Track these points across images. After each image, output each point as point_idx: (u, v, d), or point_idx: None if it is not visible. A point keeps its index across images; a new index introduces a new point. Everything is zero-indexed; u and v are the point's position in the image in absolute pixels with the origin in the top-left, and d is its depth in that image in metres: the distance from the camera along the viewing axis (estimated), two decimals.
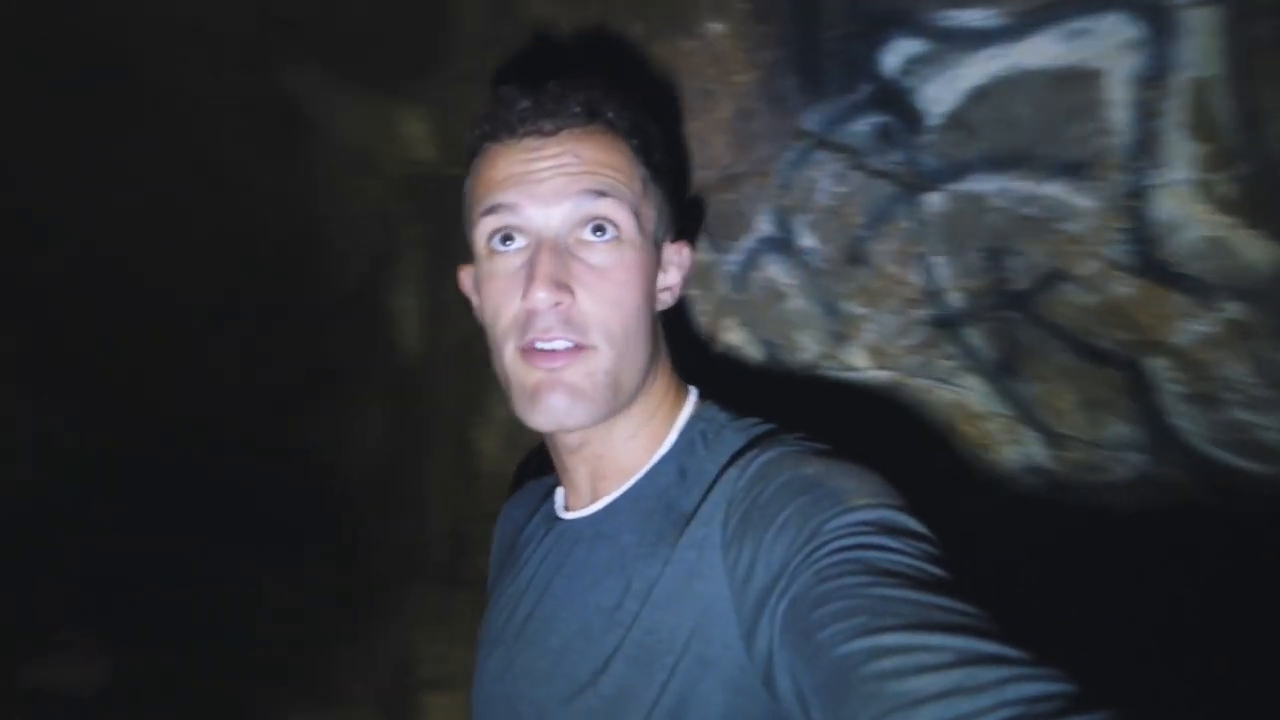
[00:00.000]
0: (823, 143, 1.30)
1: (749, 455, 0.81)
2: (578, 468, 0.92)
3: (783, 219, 1.35)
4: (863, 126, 1.26)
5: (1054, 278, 1.15)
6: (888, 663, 0.54)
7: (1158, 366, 1.11)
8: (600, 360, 0.83)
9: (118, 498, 3.47)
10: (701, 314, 1.46)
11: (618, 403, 0.86)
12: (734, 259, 1.40)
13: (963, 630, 0.54)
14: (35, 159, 3.24)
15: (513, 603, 0.94)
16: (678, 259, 0.96)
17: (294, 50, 2.40)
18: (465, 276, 0.95)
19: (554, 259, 0.81)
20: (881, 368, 1.34)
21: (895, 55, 1.20)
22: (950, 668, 0.52)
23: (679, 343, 1.02)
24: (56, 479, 3.39)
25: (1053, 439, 1.25)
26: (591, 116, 0.87)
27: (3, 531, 3.02)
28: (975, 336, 1.27)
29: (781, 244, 1.36)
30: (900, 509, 0.69)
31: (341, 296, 3.33)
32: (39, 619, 2.39)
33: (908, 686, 0.52)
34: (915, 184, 1.24)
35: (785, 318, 1.39)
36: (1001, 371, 1.27)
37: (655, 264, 0.91)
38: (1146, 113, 1.04)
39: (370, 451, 3.15)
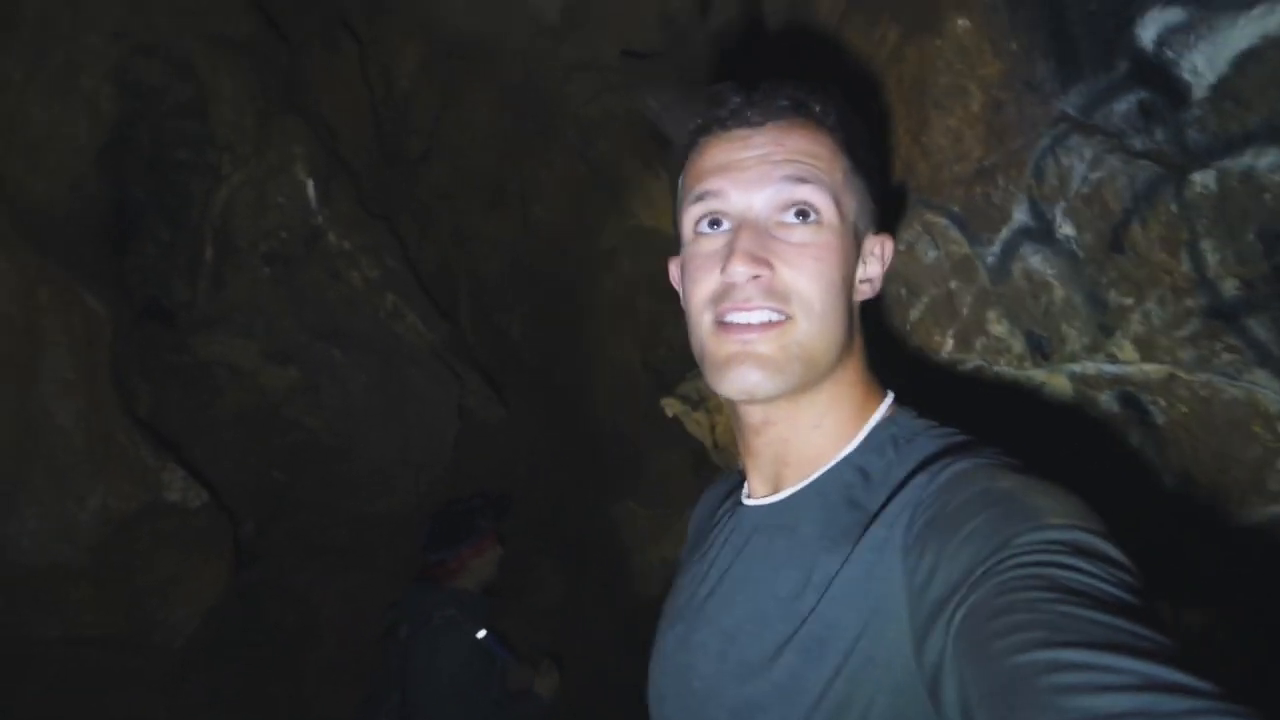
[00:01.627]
0: (1079, 126, 1.21)
1: (940, 463, 0.76)
2: (763, 451, 0.91)
3: (1039, 208, 1.28)
4: (1122, 106, 1.16)
5: None
6: (1067, 677, 0.50)
7: None
8: (795, 332, 0.82)
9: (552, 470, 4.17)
10: (963, 306, 1.43)
11: (807, 378, 0.83)
12: (992, 251, 1.36)
13: (1150, 656, 0.50)
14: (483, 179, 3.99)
15: (696, 581, 0.94)
16: (879, 251, 0.93)
17: (645, 75, 2.70)
18: (673, 268, 0.97)
19: (754, 237, 0.82)
20: (1151, 360, 1.21)
21: (1152, 26, 1.08)
22: (1135, 690, 0.48)
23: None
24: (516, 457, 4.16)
25: None
26: (797, 110, 0.87)
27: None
28: (1260, 328, 1.10)
29: (1039, 233, 1.29)
30: (1098, 534, 0.63)
31: None
32: None
33: (1087, 703, 0.48)
34: (1180, 164, 1.11)
35: (1048, 309, 1.32)
36: None
37: (855, 252, 0.88)
38: None
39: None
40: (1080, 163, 1.21)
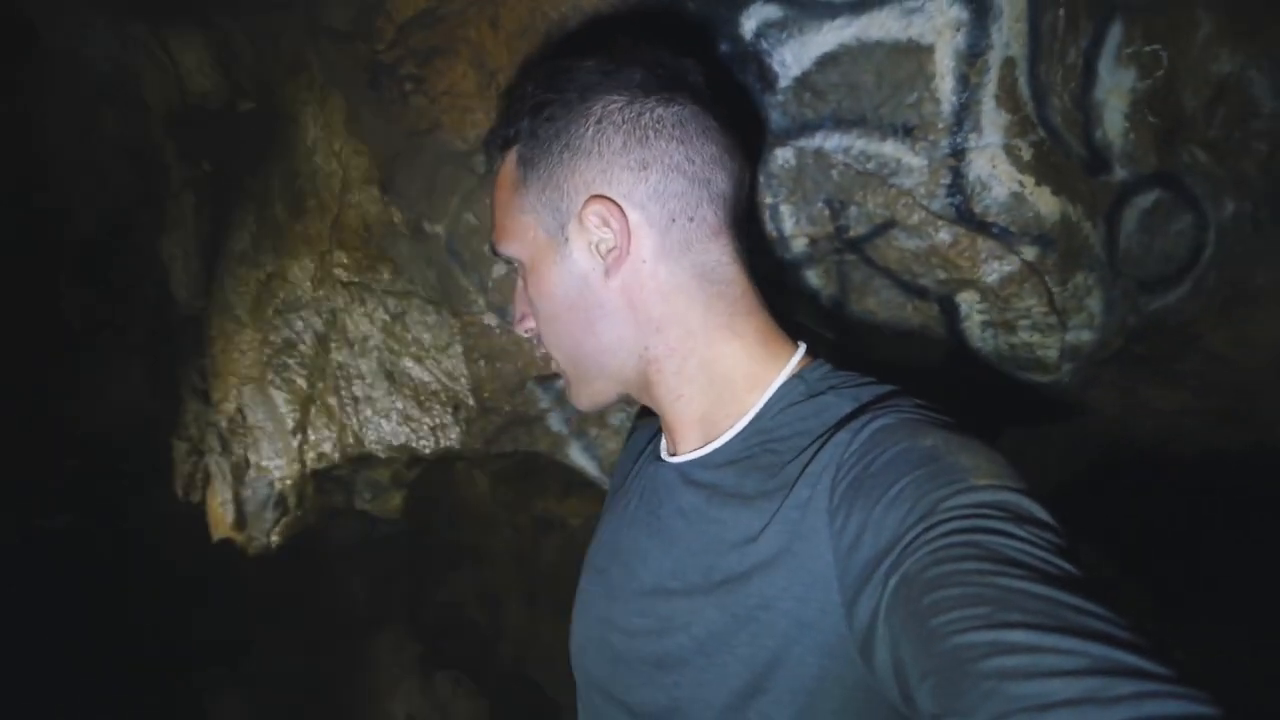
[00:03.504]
0: None
1: (862, 419, 0.72)
2: (671, 419, 0.86)
3: None
4: None
5: (886, 226, 1.26)
6: (1012, 660, 0.48)
7: (969, 300, 1.26)
8: (559, 362, 0.89)
9: None
10: None
11: (625, 388, 0.87)
12: None
13: (1097, 636, 0.48)
14: None
15: (616, 532, 0.91)
16: (593, 219, 0.80)
17: None
18: None
19: (520, 295, 0.88)
20: None
21: (753, 20, 1.23)
22: (1083, 674, 0.46)
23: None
24: None
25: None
26: (501, 152, 0.88)
27: None
28: (814, 276, 1.36)
29: None
30: (1025, 493, 0.61)
31: (83, 242, 2.86)
32: None
33: (1034, 688, 0.46)
34: (766, 141, 1.29)
35: None
36: (834, 305, 1.38)
37: (564, 252, 0.81)
38: (967, 85, 1.16)
39: (130, 411, 2.80)
40: None
